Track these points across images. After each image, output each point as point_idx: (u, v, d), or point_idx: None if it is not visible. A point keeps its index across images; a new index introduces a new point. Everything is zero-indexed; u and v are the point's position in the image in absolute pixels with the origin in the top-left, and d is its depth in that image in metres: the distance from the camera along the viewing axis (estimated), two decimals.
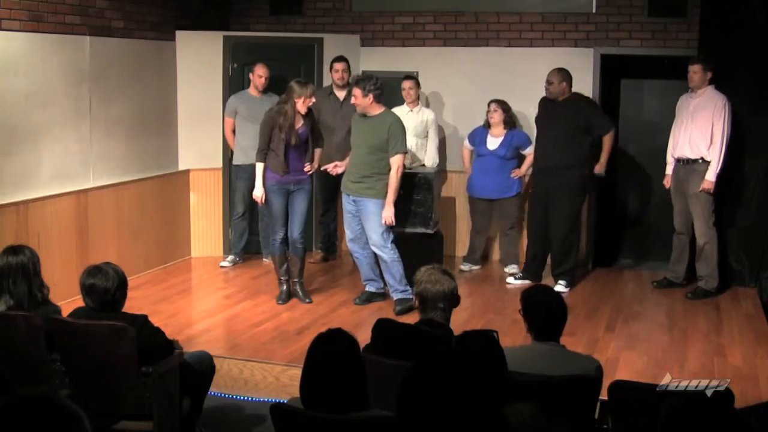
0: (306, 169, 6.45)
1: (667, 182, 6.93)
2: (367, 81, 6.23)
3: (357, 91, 6.21)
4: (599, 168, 7.04)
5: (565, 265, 7.05)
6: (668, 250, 7.09)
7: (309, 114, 6.40)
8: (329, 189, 7.70)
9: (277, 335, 5.85)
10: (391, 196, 6.24)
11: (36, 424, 1.63)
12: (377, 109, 6.26)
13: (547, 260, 7.24)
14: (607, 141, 6.98)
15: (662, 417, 2.11)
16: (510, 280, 7.28)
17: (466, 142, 7.71)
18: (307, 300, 6.59)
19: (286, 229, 6.49)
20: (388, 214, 6.23)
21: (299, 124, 6.33)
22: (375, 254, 6.44)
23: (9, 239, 5.42)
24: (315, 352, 2.83)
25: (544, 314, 3.60)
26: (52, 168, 6.34)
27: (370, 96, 6.18)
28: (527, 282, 7.12)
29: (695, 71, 6.62)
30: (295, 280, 6.63)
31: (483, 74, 7.96)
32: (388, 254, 6.31)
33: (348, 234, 6.49)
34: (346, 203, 6.44)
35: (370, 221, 6.29)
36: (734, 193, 6.82)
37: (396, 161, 6.21)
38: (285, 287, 6.60)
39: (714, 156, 6.55)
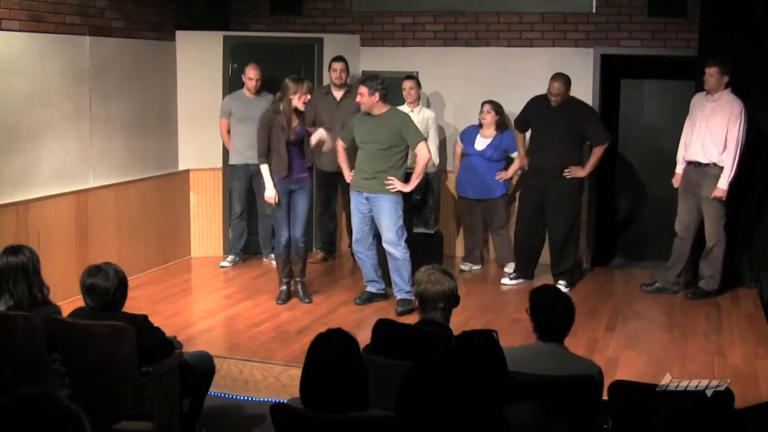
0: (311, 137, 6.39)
1: (676, 181, 6.87)
2: (373, 80, 6.24)
3: (363, 90, 6.21)
4: (581, 172, 6.94)
5: (564, 264, 7.05)
6: (668, 250, 7.06)
7: (302, 114, 6.38)
8: (327, 188, 7.70)
9: (277, 335, 5.85)
10: (414, 180, 6.25)
11: (36, 424, 1.63)
12: (383, 108, 6.26)
13: (538, 259, 7.24)
14: (598, 151, 6.93)
15: (662, 417, 2.11)
16: (504, 280, 7.27)
17: (458, 140, 7.71)
18: (307, 300, 6.59)
19: (292, 231, 6.49)
20: (401, 186, 6.20)
21: (295, 122, 6.32)
22: (378, 256, 6.43)
23: (9, 239, 5.41)
24: (315, 352, 2.83)
25: (551, 314, 3.60)
26: (52, 168, 6.34)
27: (377, 95, 6.18)
28: (521, 281, 7.14)
29: (711, 74, 6.51)
30: (297, 279, 6.63)
31: (483, 74, 7.95)
32: (401, 252, 6.28)
33: (355, 234, 6.46)
34: (358, 202, 6.39)
35: (384, 218, 6.25)
36: (735, 194, 6.80)
37: (421, 149, 6.20)
38: (285, 287, 6.60)
39: (728, 163, 6.48)
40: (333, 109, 7.48)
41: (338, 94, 7.52)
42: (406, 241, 6.31)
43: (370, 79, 6.30)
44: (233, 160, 7.62)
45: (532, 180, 7.07)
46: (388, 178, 6.21)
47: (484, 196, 7.50)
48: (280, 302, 6.55)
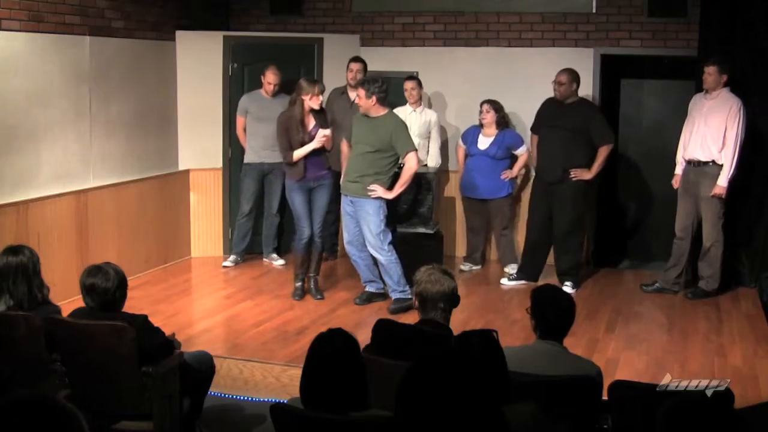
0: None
1: (676, 182, 6.87)
2: (372, 83, 6.24)
3: (361, 92, 6.23)
4: (587, 175, 6.92)
5: (569, 265, 7.04)
6: (668, 250, 7.06)
7: (321, 114, 6.42)
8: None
9: (277, 335, 5.85)
10: (397, 189, 6.24)
11: (33, 424, 1.62)
12: (380, 111, 6.26)
13: (544, 262, 7.24)
14: (603, 152, 6.91)
15: (662, 417, 2.10)
16: (504, 281, 7.27)
17: (460, 141, 7.71)
18: (319, 296, 6.65)
19: (312, 227, 6.51)
20: (384, 193, 6.19)
21: (311, 124, 6.36)
22: (371, 259, 6.43)
23: (9, 239, 5.41)
24: (315, 352, 2.83)
25: (553, 313, 3.60)
26: (52, 168, 6.34)
27: (373, 98, 6.18)
28: (522, 283, 7.13)
29: (710, 72, 6.52)
30: (311, 275, 6.68)
31: (483, 74, 7.95)
32: (385, 256, 6.29)
33: (345, 236, 6.47)
34: (345, 204, 6.43)
35: (366, 222, 6.27)
36: (735, 193, 6.81)
37: (410, 159, 6.19)
38: (300, 284, 6.66)
39: (726, 160, 6.48)
40: (347, 108, 7.48)
41: (353, 94, 7.52)
42: (390, 243, 6.32)
43: (368, 81, 6.31)
44: (248, 158, 7.64)
45: (541, 182, 7.07)
46: (371, 185, 6.20)
47: (490, 195, 7.50)
48: (296, 298, 6.61)
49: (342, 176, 6.52)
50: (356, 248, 6.43)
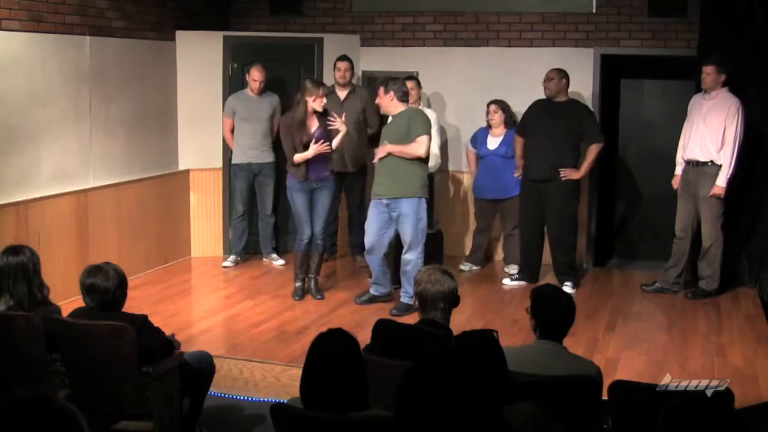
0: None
1: (676, 183, 6.87)
2: (392, 81, 6.27)
3: (380, 91, 6.26)
4: (576, 174, 6.91)
5: (567, 265, 7.04)
6: (668, 250, 7.06)
7: (325, 116, 6.44)
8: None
9: (277, 335, 5.85)
10: (393, 149, 6.15)
11: (33, 424, 1.62)
12: (399, 107, 6.24)
13: (541, 261, 7.24)
14: (592, 151, 6.92)
15: (662, 417, 2.10)
16: (506, 281, 7.27)
17: (469, 146, 7.70)
18: (319, 296, 6.66)
19: (313, 228, 6.52)
20: (380, 149, 6.20)
21: (314, 125, 6.36)
22: (387, 259, 6.41)
23: (9, 239, 5.41)
24: (315, 352, 2.83)
25: (553, 312, 3.60)
26: (52, 168, 6.34)
27: (391, 93, 6.18)
28: (523, 283, 7.13)
29: (708, 73, 6.53)
30: (311, 276, 6.68)
31: (483, 74, 7.95)
32: (415, 257, 6.22)
33: (367, 240, 6.37)
34: (379, 211, 6.29)
35: (405, 224, 6.20)
36: (734, 194, 6.81)
37: (420, 140, 6.09)
38: (300, 284, 6.66)
39: (725, 160, 6.49)
40: (336, 108, 7.47)
41: (342, 93, 7.53)
42: (423, 245, 6.25)
43: (388, 80, 6.34)
44: (236, 159, 7.64)
45: (530, 182, 7.07)
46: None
47: (503, 195, 7.48)
48: (297, 298, 6.62)
49: (374, 185, 6.40)
50: (377, 256, 6.37)
